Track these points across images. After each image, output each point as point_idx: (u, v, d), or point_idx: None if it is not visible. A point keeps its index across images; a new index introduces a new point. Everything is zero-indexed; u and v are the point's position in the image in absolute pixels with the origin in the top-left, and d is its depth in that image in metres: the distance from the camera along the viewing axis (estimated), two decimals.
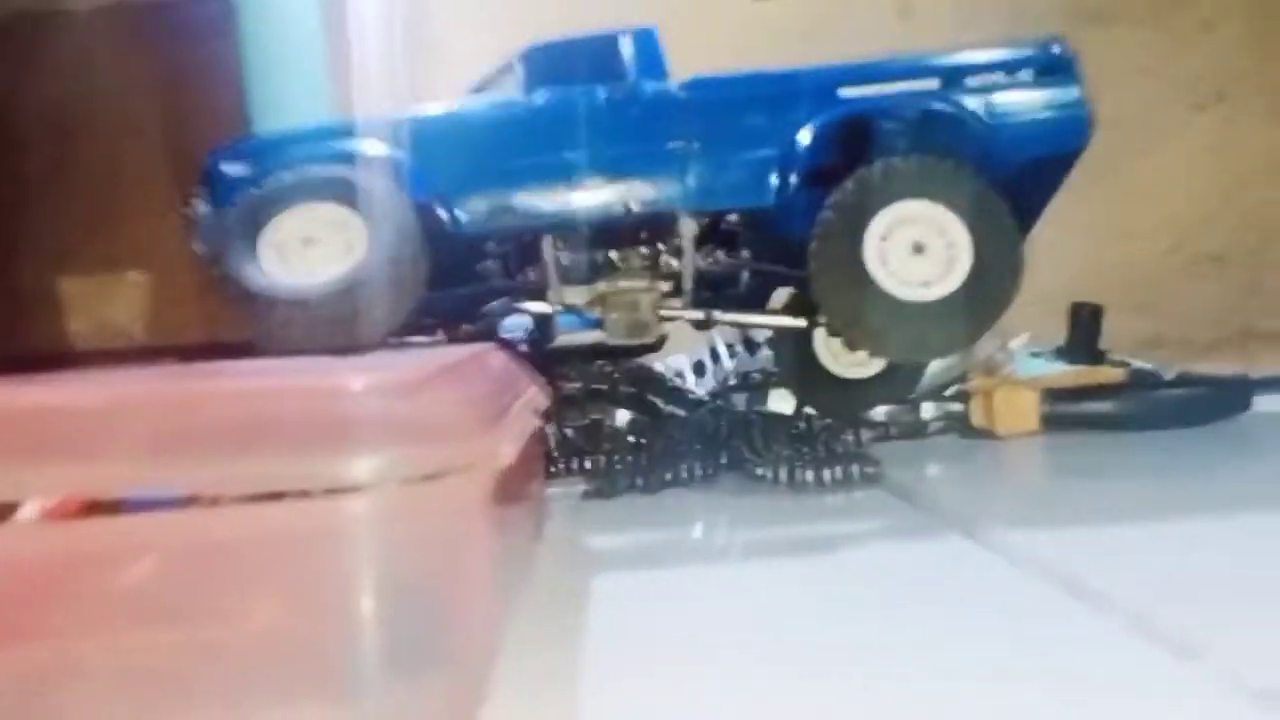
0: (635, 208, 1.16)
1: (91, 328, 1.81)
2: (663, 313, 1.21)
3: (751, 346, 1.51)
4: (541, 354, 1.34)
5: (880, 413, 1.27)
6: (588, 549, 0.88)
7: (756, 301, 1.31)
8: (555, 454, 1.22)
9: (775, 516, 0.95)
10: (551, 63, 1.21)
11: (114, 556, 0.51)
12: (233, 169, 1.15)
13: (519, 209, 1.16)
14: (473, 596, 0.54)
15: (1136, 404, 1.19)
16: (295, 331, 1.05)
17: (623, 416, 1.34)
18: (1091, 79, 1.65)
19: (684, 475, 1.13)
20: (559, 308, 1.22)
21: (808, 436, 1.16)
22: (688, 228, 1.18)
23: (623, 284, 1.20)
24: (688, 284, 1.21)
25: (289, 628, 0.52)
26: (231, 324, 1.12)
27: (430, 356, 0.68)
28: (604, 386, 1.34)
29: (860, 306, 1.09)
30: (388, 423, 0.51)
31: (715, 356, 1.52)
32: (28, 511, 0.50)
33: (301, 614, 0.52)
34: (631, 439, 1.24)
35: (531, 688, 0.55)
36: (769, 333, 1.49)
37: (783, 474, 1.08)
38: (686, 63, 1.74)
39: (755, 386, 1.44)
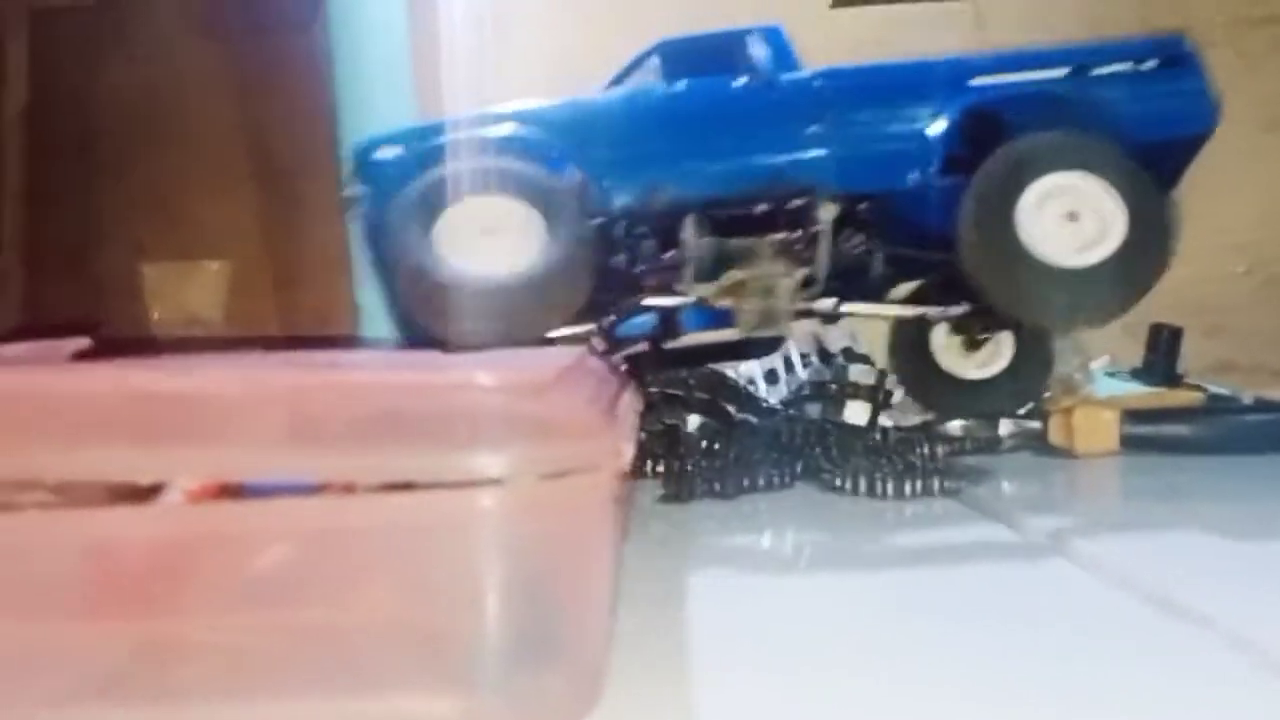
0: (775, 188, 1.19)
1: (170, 315, 1.85)
2: (796, 304, 1.22)
3: (826, 356, 1.52)
4: (663, 353, 1.35)
5: (956, 427, 1.27)
6: (676, 550, 0.89)
7: (882, 295, 1.32)
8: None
9: (859, 525, 0.96)
10: (687, 56, 1.25)
11: (251, 540, 0.53)
12: (394, 155, 1.17)
13: (668, 191, 1.18)
14: (593, 593, 0.55)
15: (1215, 428, 1.19)
16: (479, 320, 1.06)
17: (695, 422, 1.35)
18: None
19: (760, 482, 1.14)
20: (689, 300, 1.23)
21: (883, 448, 1.16)
22: (827, 211, 1.19)
23: (758, 270, 1.20)
24: (823, 271, 1.22)
25: (415, 617, 0.53)
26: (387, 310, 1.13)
27: (540, 358, 0.70)
28: (679, 392, 1.36)
29: (1017, 275, 1.10)
30: (518, 419, 0.52)
31: (789, 365, 1.53)
32: (172, 493, 0.52)
33: (427, 604, 0.53)
34: (705, 444, 1.25)
35: (644, 683, 0.57)
36: (846, 342, 1.50)
37: (862, 484, 1.09)
38: None
39: (829, 397, 1.44)
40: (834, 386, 1.46)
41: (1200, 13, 1.95)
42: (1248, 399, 1.36)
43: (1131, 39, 1.23)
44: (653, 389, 1.35)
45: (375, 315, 1.40)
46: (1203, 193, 1.69)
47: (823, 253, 1.21)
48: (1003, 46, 1.88)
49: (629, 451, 0.59)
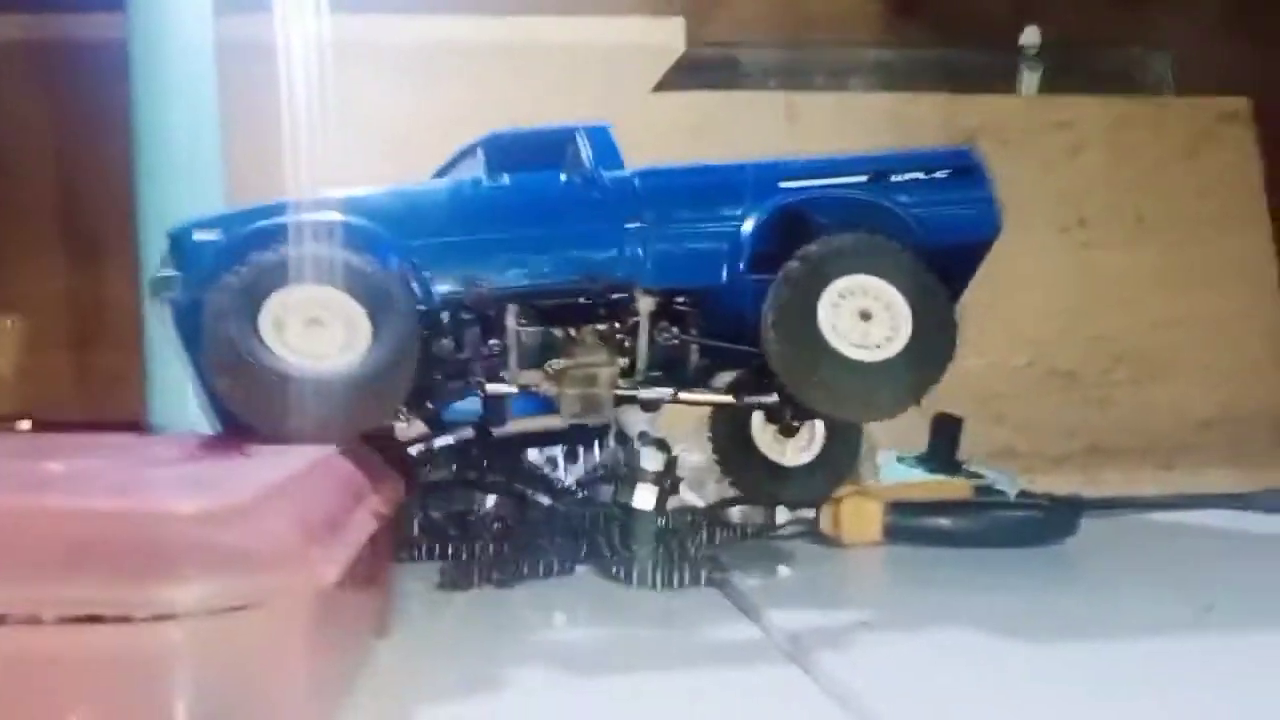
0: (594, 282, 1.20)
1: None
2: (617, 391, 1.22)
3: (623, 438, 1.54)
4: (490, 439, 1.35)
5: (735, 514, 1.32)
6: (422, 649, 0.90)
7: (699, 384, 1.33)
8: (419, 539, 1.25)
9: (615, 618, 0.99)
10: (513, 150, 1.26)
11: None
12: (212, 238, 1.13)
13: (488, 280, 1.18)
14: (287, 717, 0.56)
15: (971, 522, 1.26)
16: (300, 415, 1.00)
17: (489, 503, 1.36)
18: None
19: (540, 570, 1.16)
20: (515, 389, 1.23)
21: (662, 535, 1.20)
22: (645, 304, 1.22)
23: (580, 359, 1.22)
24: (643, 360, 1.23)
25: None
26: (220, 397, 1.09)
27: (277, 464, 0.70)
28: (473, 474, 1.36)
29: (816, 366, 1.15)
30: (210, 550, 0.53)
31: (589, 446, 1.55)
32: None
33: None
34: (491, 530, 1.26)
35: None
36: (642, 426, 1.53)
37: (634, 573, 1.12)
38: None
39: (621, 479, 1.46)
40: (625, 469, 1.49)
41: (999, 115, 2.08)
42: (1015, 489, 1.44)
43: (926, 150, 1.30)
44: (445, 471, 1.36)
45: (165, 384, 1.38)
46: (996, 288, 1.78)
47: (642, 343, 1.24)
48: (811, 138, 1.98)
49: (333, 572, 0.60)
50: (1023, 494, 1.42)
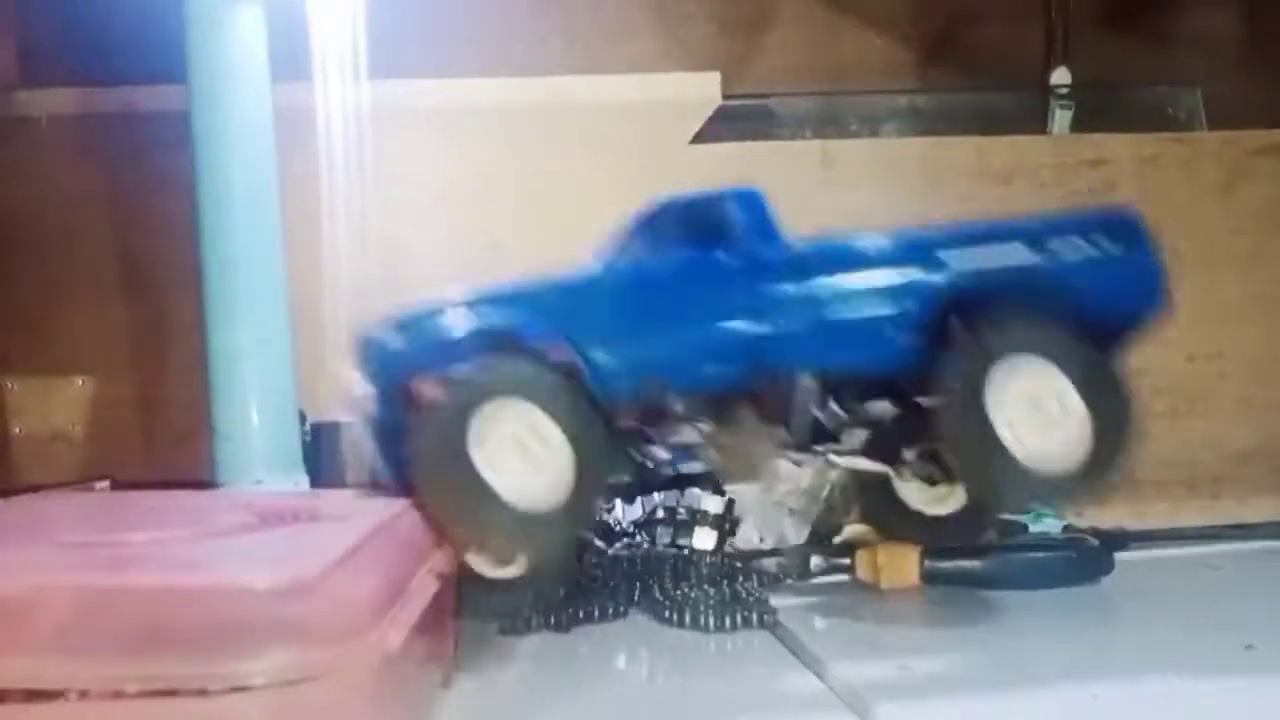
0: (763, 377, 1.21)
1: (32, 430, 1.86)
2: (787, 455, 1.27)
3: (681, 481, 1.58)
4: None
5: (771, 561, 1.35)
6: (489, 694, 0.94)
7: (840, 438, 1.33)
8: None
9: (668, 663, 1.03)
10: (667, 223, 1.30)
11: None
12: (398, 348, 1.15)
13: (666, 387, 1.20)
14: None
15: (1007, 565, 1.28)
16: (508, 538, 1.04)
17: None
18: None
19: (595, 614, 1.20)
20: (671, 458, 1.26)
21: (715, 578, 1.24)
22: (806, 383, 1.23)
23: (740, 434, 1.24)
24: (801, 434, 1.25)
25: None
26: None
27: (342, 531, 0.75)
28: None
29: (987, 464, 1.13)
30: (282, 624, 0.58)
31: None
32: None
33: None
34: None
35: None
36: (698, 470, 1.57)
37: (687, 618, 1.16)
38: (623, 204, 1.86)
39: (679, 522, 1.50)
40: (683, 511, 1.53)
41: (1030, 156, 2.10)
42: (1064, 520, 1.47)
43: (1088, 213, 1.28)
44: None
45: (231, 439, 1.43)
46: None
47: (800, 418, 1.24)
48: (846, 183, 2.02)
49: (397, 639, 0.64)
50: (1067, 528, 1.44)
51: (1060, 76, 2.21)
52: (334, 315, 1.80)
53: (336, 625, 0.58)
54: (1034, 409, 1.14)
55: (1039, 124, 2.22)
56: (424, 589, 0.73)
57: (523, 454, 1.08)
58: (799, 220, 1.94)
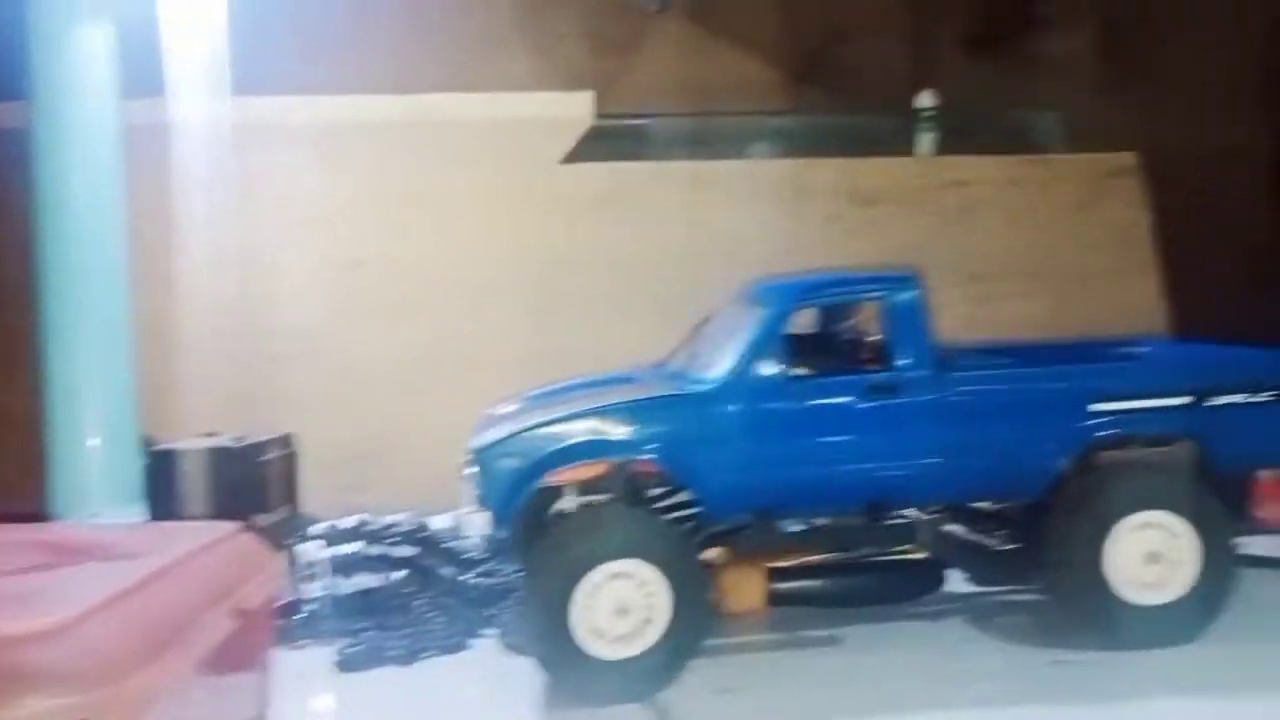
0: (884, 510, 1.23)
1: None
2: None
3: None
4: None
5: None
6: None
7: None
8: (329, 617, 1.28)
9: (504, 693, 1.02)
10: (799, 313, 1.27)
11: None
12: (512, 465, 1.17)
13: (779, 519, 1.23)
14: None
15: (844, 585, 1.32)
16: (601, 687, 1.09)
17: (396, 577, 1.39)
18: (863, 255, 1.79)
19: (439, 646, 1.20)
20: None
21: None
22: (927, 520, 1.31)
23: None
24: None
25: None
26: None
27: (123, 572, 0.72)
28: (379, 550, 1.39)
29: (1097, 611, 1.18)
30: (34, 672, 0.56)
31: None
32: None
33: None
34: (392, 606, 1.29)
35: None
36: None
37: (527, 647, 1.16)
38: (491, 224, 1.85)
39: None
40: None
41: (896, 177, 2.15)
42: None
43: (1253, 362, 1.31)
44: (354, 547, 1.39)
45: (69, 471, 1.39)
46: None
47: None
48: (716, 204, 2.03)
49: (171, 680, 0.63)
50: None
51: (926, 100, 2.27)
52: (193, 335, 1.76)
53: (94, 670, 0.56)
54: (1150, 562, 1.19)
55: (906, 145, 2.27)
56: (215, 627, 0.72)
57: (625, 613, 1.11)
58: (670, 239, 1.96)
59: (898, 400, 1.22)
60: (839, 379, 1.24)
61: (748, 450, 1.20)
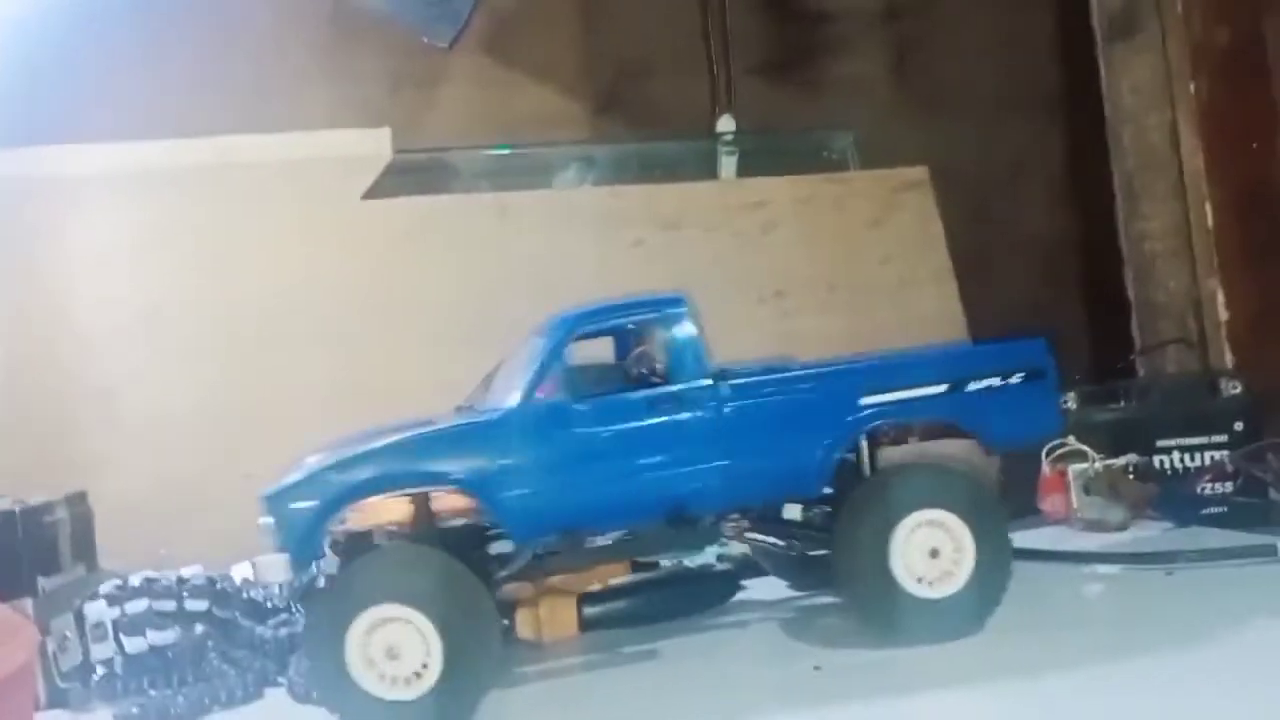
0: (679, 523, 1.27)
1: None
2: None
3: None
4: None
5: None
6: None
7: None
8: (120, 678, 1.25)
9: None
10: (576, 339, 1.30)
11: None
12: (306, 508, 1.17)
13: (581, 534, 1.27)
14: None
15: (649, 601, 1.36)
16: None
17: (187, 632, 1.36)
18: (669, 277, 1.85)
19: (222, 698, 1.18)
20: None
21: None
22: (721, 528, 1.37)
23: None
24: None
25: None
26: None
27: None
28: (171, 604, 1.36)
29: (885, 601, 1.25)
30: None
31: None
32: None
33: None
34: (182, 662, 1.27)
35: None
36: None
37: (314, 696, 1.15)
38: (291, 264, 1.82)
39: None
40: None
41: (698, 201, 2.21)
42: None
43: (1002, 347, 1.41)
44: (144, 603, 1.35)
45: None
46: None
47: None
48: (522, 235, 2.06)
49: None
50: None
51: (725, 124, 2.34)
52: None
53: None
54: (932, 557, 1.26)
55: (710, 170, 2.34)
56: None
57: (398, 657, 1.11)
58: (478, 270, 1.97)
59: (680, 415, 1.28)
60: (621, 398, 1.28)
61: (543, 472, 1.23)
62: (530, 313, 2.05)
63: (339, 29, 2.14)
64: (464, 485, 1.20)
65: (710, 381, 1.28)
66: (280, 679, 1.23)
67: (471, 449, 1.22)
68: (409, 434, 1.24)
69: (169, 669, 1.25)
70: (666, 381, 1.31)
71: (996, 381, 1.36)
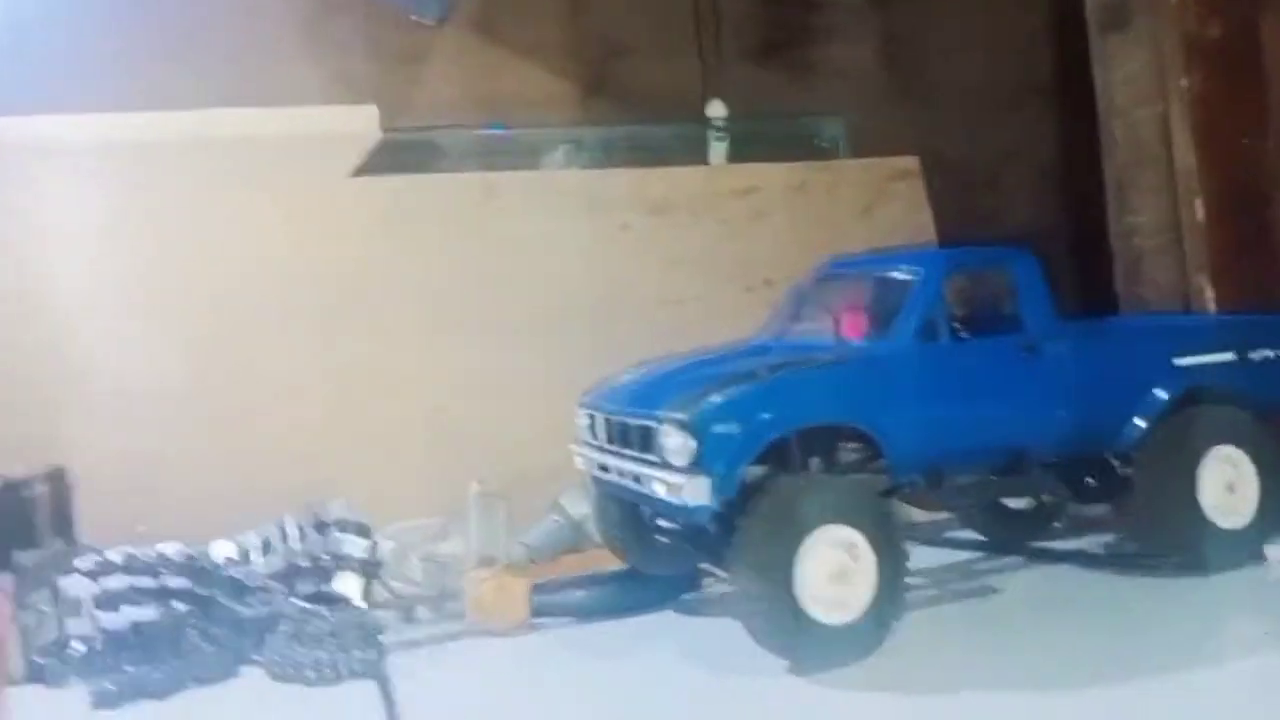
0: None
1: None
2: None
3: (321, 526, 1.57)
4: None
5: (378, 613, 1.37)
6: None
7: None
8: (99, 653, 1.25)
9: None
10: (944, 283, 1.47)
11: None
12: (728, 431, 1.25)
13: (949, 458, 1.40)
14: None
15: (600, 596, 1.38)
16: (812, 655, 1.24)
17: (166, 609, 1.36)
18: (655, 262, 1.83)
19: (201, 677, 1.18)
20: None
21: (325, 634, 1.24)
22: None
23: None
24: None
25: None
26: None
27: None
28: (151, 581, 1.36)
29: (1190, 531, 1.42)
30: None
31: (284, 536, 1.56)
32: None
33: None
34: (173, 633, 1.27)
35: None
36: (342, 513, 1.57)
37: (291, 672, 1.16)
38: (277, 241, 1.81)
39: (322, 569, 1.50)
40: (327, 557, 1.52)
41: (686, 185, 2.20)
42: None
43: (1272, 322, 1.65)
44: (125, 580, 1.35)
45: None
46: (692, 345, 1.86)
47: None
48: (508, 216, 2.05)
49: None
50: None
51: (715, 109, 2.33)
52: None
53: None
54: (1228, 489, 1.44)
55: (700, 155, 2.33)
56: None
57: (838, 575, 1.24)
58: (464, 250, 1.97)
59: (1039, 358, 1.40)
60: (998, 340, 1.42)
61: (929, 409, 1.34)
62: (514, 294, 2.06)
63: (325, 2, 2.12)
64: (865, 420, 1.25)
65: (1060, 331, 1.44)
66: (257, 656, 1.23)
67: (874, 382, 1.34)
68: (824, 360, 1.37)
69: (147, 646, 1.25)
70: (997, 325, 1.46)
71: (1270, 353, 1.56)
